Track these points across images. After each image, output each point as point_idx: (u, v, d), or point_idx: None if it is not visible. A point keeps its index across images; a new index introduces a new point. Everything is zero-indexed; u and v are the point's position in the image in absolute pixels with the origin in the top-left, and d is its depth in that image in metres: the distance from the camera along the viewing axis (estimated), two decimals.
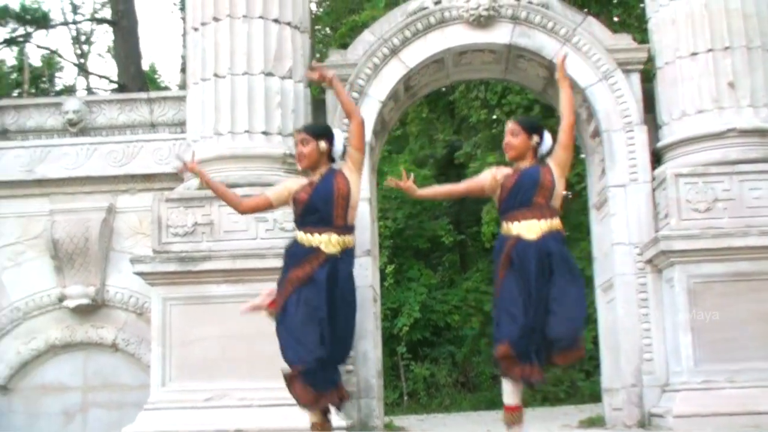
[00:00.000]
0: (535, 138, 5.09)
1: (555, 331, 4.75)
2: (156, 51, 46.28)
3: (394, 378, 16.83)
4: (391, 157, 19.98)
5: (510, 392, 4.87)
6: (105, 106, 8.45)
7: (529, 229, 4.88)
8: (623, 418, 7.49)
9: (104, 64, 29.93)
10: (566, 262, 4.89)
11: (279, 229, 7.17)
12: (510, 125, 5.15)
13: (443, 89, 17.84)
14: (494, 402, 13.07)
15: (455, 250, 19.05)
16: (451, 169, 19.23)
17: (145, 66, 21.43)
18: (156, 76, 26.94)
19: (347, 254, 4.85)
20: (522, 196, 4.95)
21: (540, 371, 4.77)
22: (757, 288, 7.07)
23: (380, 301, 8.66)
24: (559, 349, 4.80)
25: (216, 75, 7.60)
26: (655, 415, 7.16)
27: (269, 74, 7.61)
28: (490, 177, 5.14)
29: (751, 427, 6.58)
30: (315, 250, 4.75)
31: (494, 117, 17.43)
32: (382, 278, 16.89)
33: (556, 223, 4.95)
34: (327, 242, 4.75)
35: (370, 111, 7.88)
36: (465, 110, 17.80)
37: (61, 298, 8.15)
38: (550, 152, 5.15)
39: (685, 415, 6.78)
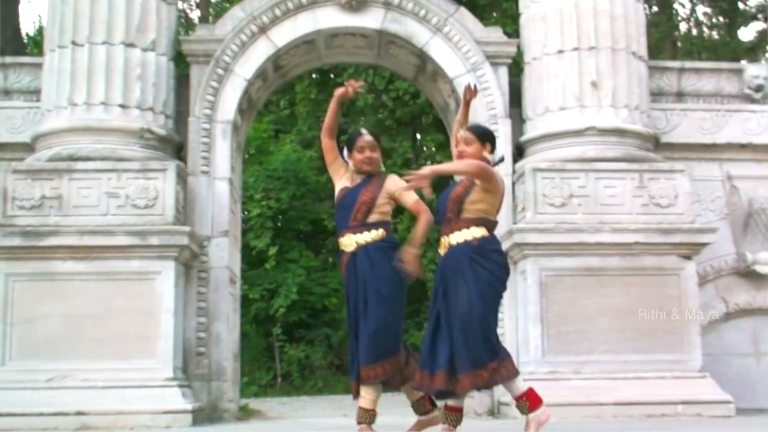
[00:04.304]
0: (488, 147, 5.01)
1: None
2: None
3: (268, 359, 16.73)
4: (278, 137, 19.81)
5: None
6: None
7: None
8: (474, 405, 7.57)
9: None
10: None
11: (131, 205, 6.97)
12: (464, 134, 5.02)
13: (331, 74, 17.84)
14: None
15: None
16: (338, 151, 19.13)
17: (32, 31, 20.76)
18: None
19: (366, 248, 5.08)
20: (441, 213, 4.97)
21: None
22: (605, 283, 7.25)
23: (239, 283, 8.53)
24: None
25: (74, 43, 7.32)
26: (504, 404, 7.27)
27: (130, 45, 7.37)
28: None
29: (593, 417, 6.78)
30: (342, 253, 5.19)
31: (382, 102, 17.46)
32: (263, 259, 16.78)
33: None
34: (347, 243, 5.13)
35: (235, 89, 7.77)
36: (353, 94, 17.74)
37: None
38: (501, 161, 5.14)
39: None
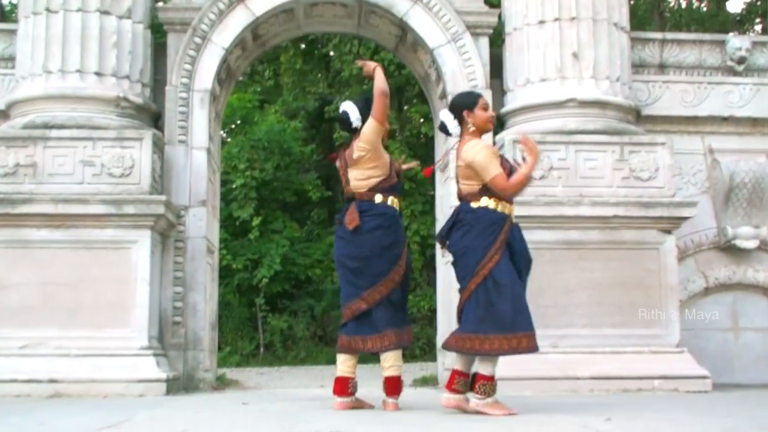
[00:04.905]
0: None
1: None
2: None
3: (251, 329, 16.72)
4: (263, 107, 19.69)
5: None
6: None
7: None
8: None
9: None
10: None
11: (107, 174, 6.89)
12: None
13: (318, 44, 17.68)
14: None
15: (324, 204, 18.94)
16: (322, 123, 19.06)
17: None
18: None
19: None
20: None
21: None
22: (585, 257, 7.20)
23: (218, 253, 8.48)
24: None
25: (48, 9, 7.20)
26: None
27: (106, 12, 7.26)
28: None
29: (569, 391, 6.75)
30: None
31: None
32: (247, 229, 16.72)
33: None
34: None
35: (213, 58, 7.66)
36: (339, 64, 17.64)
37: None
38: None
39: (508, 378, 6.84)
